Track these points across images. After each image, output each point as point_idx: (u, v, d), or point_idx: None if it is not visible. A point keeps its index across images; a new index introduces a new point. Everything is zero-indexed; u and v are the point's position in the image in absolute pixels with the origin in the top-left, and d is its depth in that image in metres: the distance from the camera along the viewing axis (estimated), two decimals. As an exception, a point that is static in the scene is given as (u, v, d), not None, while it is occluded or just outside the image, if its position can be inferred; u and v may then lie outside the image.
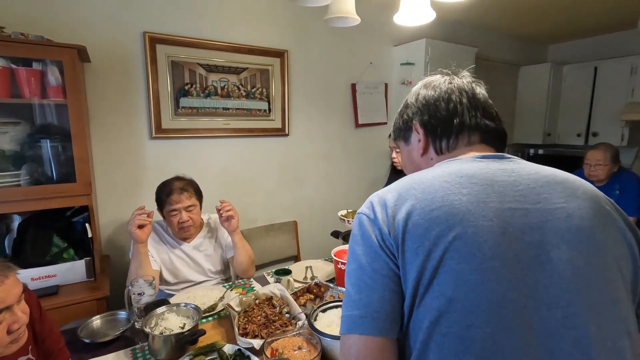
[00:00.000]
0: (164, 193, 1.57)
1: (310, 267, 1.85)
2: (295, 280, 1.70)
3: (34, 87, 1.39)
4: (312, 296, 1.52)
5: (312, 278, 1.72)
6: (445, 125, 0.72)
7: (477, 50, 2.87)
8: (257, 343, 1.11)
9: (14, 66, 1.35)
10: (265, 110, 2.28)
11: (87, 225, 1.56)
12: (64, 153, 1.49)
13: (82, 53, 1.50)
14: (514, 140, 3.83)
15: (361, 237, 0.63)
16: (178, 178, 1.64)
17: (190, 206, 1.59)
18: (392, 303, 0.58)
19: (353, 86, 2.66)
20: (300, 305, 1.46)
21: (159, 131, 1.96)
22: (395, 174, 2.06)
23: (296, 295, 1.52)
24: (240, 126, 2.21)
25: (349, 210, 1.90)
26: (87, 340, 1.18)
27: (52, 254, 1.56)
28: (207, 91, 2.06)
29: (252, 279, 1.72)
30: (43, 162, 1.48)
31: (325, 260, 1.93)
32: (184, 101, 2.01)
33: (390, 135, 1.99)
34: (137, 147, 1.95)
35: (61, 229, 1.62)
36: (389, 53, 2.80)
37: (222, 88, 2.11)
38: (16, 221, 1.65)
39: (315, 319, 1.21)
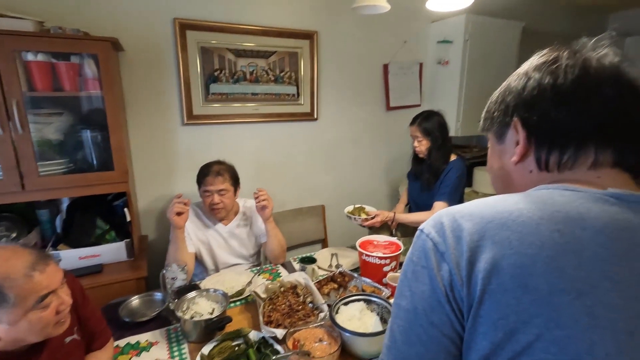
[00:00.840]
0: (202, 174, 1.65)
1: (336, 254, 1.87)
2: (320, 268, 1.73)
3: (73, 80, 1.45)
4: (335, 285, 1.54)
5: (337, 266, 1.74)
6: (560, 134, 0.49)
7: (524, 25, 2.63)
8: (280, 333, 1.15)
9: (54, 60, 1.42)
10: (293, 95, 2.26)
11: (125, 209, 1.66)
12: (103, 142, 1.58)
13: (115, 44, 1.54)
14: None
15: (422, 270, 0.48)
16: (219, 162, 1.71)
17: (222, 190, 1.64)
18: None
19: (385, 67, 2.55)
20: (323, 295, 1.49)
21: (191, 117, 2.01)
22: (417, 163, 1.99)
23: (320, 284, 1.55)
24: (269, 111, 2.21)
25: (356, 206, 1.89)
26: (126, 319, 1.29)
27: (96, 236, 1.68)
28: (236, 76, 2.07)
29: (278, 265, 1.77)
30: (84, 151, 1.58)
31: (350, 247, 1.94)
32: (214, 87, 2.03)
33: (412, 122, 1.88)
34: (170, 134, 2.01)
35: (103, 212, 1.74)
36: (425, 30, 2.64)
37: (251, 73, 2.11)
38: (65, 203, 1.79)
39: (337, 312, 1.23)
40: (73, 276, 1.02)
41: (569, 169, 0.50)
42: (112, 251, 1.68)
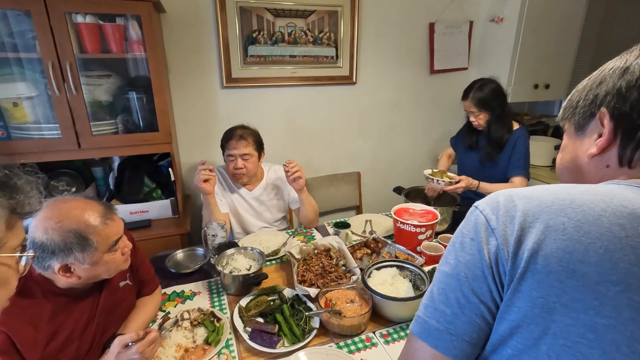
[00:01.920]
0: (225, 138, 1.66)
1: (370, 221, 1.87)
2: (353, 233, 1.74)
3: (119, 41, 1.50)
4: (369, 251, 1.56)
5: (371, 232, 1.74)
6: None
7: (597, -26, 2.31)
8: (313, 291, 1.19)
9: (101, 22, 1.46)
10: (332, 57, 2.19)
11: (170, 169, 1.74)
12: (148, 104, 1.64)
13: (157, 5, 1.55)
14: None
15: (470, 242, 0.49)
16: (242, 126, 1.70)
17: (246, 154, 1.63)
18: (479, 332, 0.49)
19: (431, 26, 2.37)
20: (356, 259, 1.51)
21: (230, 80, 2.02)
22: (472, 133, 1.85)
23: (353, 248, 1.57)
24: (307, 74, 2.17)
25: (435, 170, 1.78)
26: (172, 270, 1.39)
27: (144, 193, 1.80)
28: (274, 38, 2.03)
29: (313, 228, 1.81)
30: (131, 112, 1.65)
31: (386, 215, 1.92)
32: (252, 49, 2.00)
33: (464, 96, 1.73)
34: (210, 97, 2.05)
35: (150, 172, 1.85)
36: (478, -17, 2.40)
37: (289, 34, 2.05)
38: (116, 162, 1.92)
39: (369, 276, 1.25)
40: (125, 228, 1.11)
41: None
42: (158, 208, 1.79)
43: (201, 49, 1.95)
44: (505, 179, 1.77)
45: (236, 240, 1.67)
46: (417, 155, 2.72)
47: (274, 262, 1.52)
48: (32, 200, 0.56)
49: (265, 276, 1.29)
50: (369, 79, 2.36)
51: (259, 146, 1.71)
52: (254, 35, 1.99)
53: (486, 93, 1.69)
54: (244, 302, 1.22)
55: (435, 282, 0.54)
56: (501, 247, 0.46)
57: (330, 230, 1.75)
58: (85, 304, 0.93)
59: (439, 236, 1.57)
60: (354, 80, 2.29)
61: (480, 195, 1.77)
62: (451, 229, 1.78)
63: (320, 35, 2.12)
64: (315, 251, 1.50)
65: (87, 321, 0.93)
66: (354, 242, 1.62)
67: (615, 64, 0.52)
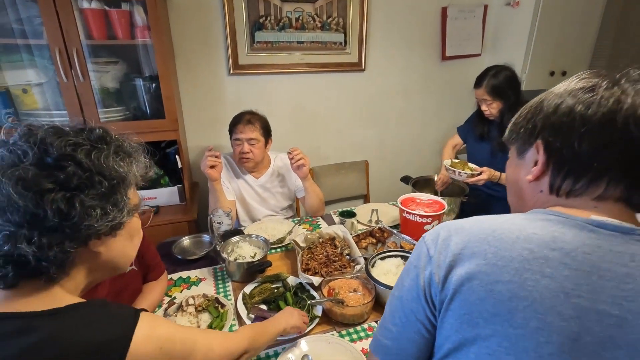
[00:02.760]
0: (233, 122, 1.66)
1: (377, 210, 1.86)
2: (359, 222, 1.74)
3: (125, 27, 1.49)
4: (374, 240, 1.55)
5: (377, 222, 1.74)
6: (578, 164, 0.52)
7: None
8: (316, 280, 1.20)
9: (107, 8, 1.45)
10: (340, 43, 2.14)
11: (177, 157, 1.75)
12: (155, 91, 1.63)
13: (162, -11, 1.54)
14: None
15: (413, 268, 0.58)
16: (251, 112, 1.69)
17: (252, 139, 1.63)
18: (420, 347, 0.58)
19: (443, 10, 2.30)
20: (361, 248, 1.50)
21: (236, 67, 2.00)
22: (483, 123, 1.79)
23: (358, 237, 1.56)
24: (315, 61, 2.13)
25: (455, 160, 1.72)
26: (179, 257, 1.41)
27: (152, 180, 1.81)
28: (281, 23, 1.99)
29: (318, 217, 1.80)
30: (138, 99, 1.65)
31: (392, 204, 1.91)
32: (259, 35, 1.98)
33: (477, 84, 1.66)
34: (217, 84, 2.04)
35: (158, 159, 1.86)
36: (494, -35, 2.30)
37: (297, 19, 2.01)
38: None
39: (373, 266, 1.24)
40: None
41: (575, 197, 0.54)
42: (166, 195, 1.81)
43: (208, 35, 1.93)
44: None
45: (242, 228, 1.68)
46: (426, 144, 2.67)
47: (279, 250, 1.53)
48: (149, 169, 0.72)
49: (269, 264, 1.29)
50: (378, 66, 2.31)
51: (267, 132, 1.70)
52: (261, 20, 1.95)
53: (501, 81, 1.62)
54: (248, 289, 1.23)
55: (387, 304, 0.63)
56: (434, 273, 0.54)
57: (336, 219, 1.74)
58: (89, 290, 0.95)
59: (446, 226, 1.55)
60: (363, 67, 2.25)
61: (501, 187, 1.75)
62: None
63: (329, 21, 2.07)
64: (320, 240, 1.50)
65: None
66: (359, 232, 1.62)
67: (554, 92, 0.56)
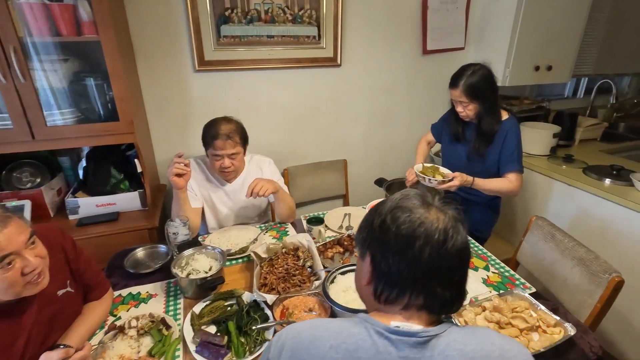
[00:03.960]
0: (210, 135, 1.52)
1: (349, 214, 1.78)
2: (329, 229, 1.66)
3: (69, 23, 1.37)
4: (341, 249, 1.47)
5: (348, 228, 1.66)
6: (391, 277, 0.62)
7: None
8: (270, 298, 1.12)
9: (47, 1, 1.33)
10: (314, 37, 2.03)
11: (136, 160, 1.65)
12: (109, 91, 1.53)
13: (111, -19, 1.41)
14: (643, 68, 2.95)
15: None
16: (227, 120, 1.56)
17: (234, 154, 1.54)
18: None
19: (424, 2, 2.18)
20: (327, 258, 1.43)
21: (202, 63, 1.89)
22: (458, 123, 1.70)
23: (325, 246, 1.48)
24: (287, 56, 2.02)
25: (427, 165, 1.64)
26: (131, 271, 1.33)
27: (111, 185, 1.72)
28: (249, 16, 1.87)
29: (288, 223, 1.72)
30: (90, 100, 1.54)
31: (364, 208, 1.82)
32: (225, 29, 1.86)
33: (453, 84, 1.54)
34: (183, 81, 1.92)
35: (118, 162, 1.76)
36: (477, -47, 2.18)
37: (266, 12, 1.89)
38: (85, 150, 1.84)
39: (332, 281, 1.16)
40: (62, 232, 1.03)
41: (389, 304, 0.64)
42: (127, 200, 1.72)
43: (170, 30, 1.81)
44: (495, 173, 1.63)
45: (207, 235, 1.60)
46: (412, 143, 2.56)
47: (240, 260, 1.44)
48: None
49: (222, 281, 1.21)
50: (356, 61, 2.20)
51: (245, 141, 1.60)
52: (227, 13, 1.83)
53: (478, 81, 1.50)
54: (198, 308, 1.15)
55: None
56: None
57: (306, 226, 1.66)
58: (8, 321, 0.86)
59: (417, 234, 1.47)
60: (339, 62, 2.13)
61: (477, 191, 1.67)
62: (433, 225, 1.67)
63: (301, 13, 1.95)
64: (284, 250, 1.42)
65: (13, 337, 0.87)
66: (328, 239, 1.54)
67: (380, 207, 0.66)
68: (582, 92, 3.06)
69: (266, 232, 1.64)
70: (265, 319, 1.10)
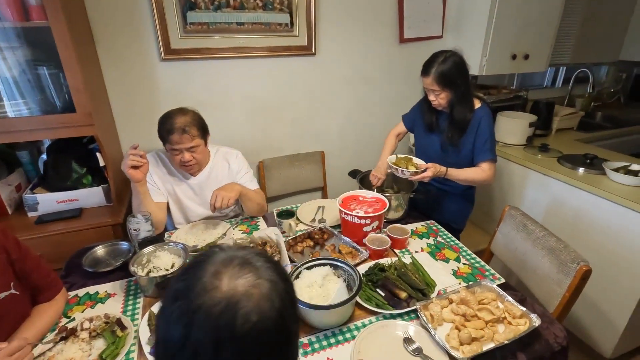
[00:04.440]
0: (164, 130, 1.44)
1: (323, 207, 1.74)
2: (301, 222, 1.62)
3: (15, 7, 1.28)
4: (311, 243, 1.43)
5: (320, 221, 1.62)
6: None
7: None
8: (232, 296, 1.07)
9: (-12, -17, 1.24)
10: (286, 25, 1.96)
11: (98, 154, 1.58)
12: (63, 82, 1.44)
13: (61, -38, 1.32)
14: (620, 57, 2.97)
15: None
16: (182, 112, 1.48)
17: (193, 147, 1.47)
18: None
19: (400, -12, 2.13)
20: (296, 253, 1.39)
21: (169, 52, 1.81)
22: (431, 112, 1.65)
23: (295, 240, 1.45)
24: (259, 44, 1.95)
25: (401, 156, 1.60)
26: (89, 269, 1.27)
27: (72, 180, 1.64)
28: (216, 2, 1.79)
29: (260, 217, 1.67)
30: (44, 91, 1.46)
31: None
32: (192, 15, 1.78)
33: (425, 72, 1.50)
34: (149, 71, 1.84)
35: (80, 156, 1.68)
36: (454, -62, 2.13)
37: (235, -2, 1.82)
38: (47, 144, 1.75)
39: (298, 277, 1.13)
40: (4, 231, 0.96)
41: None
42: (90, 196, 1.65)
43: (133, 17, 1.72)
44: (471, 163, 1.61)
45: (173, 231, 1.54)
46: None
47: (207, 256, 1.39)
48: None
49: (182, 278, 1.16)
50: (331, 50, 2.14)
51: (204, 132, 1.53)
52: (193, -1, 1.75)
53: (450, 69, 1.46)
54: (155, 308, 1.10)
55: None
56: None
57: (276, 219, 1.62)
58: None
59: (389, 227, 1.45)
60: (313, 50, 2.07)
61: (452, 182, 1.65)
62: (407, 216, 1.65)
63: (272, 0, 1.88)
64: (251, 245, 1.38)
65: None
66: (299, 232, 1.50)
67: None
68: (560, 82, 3.07)
69: (236, 226, 1.59)
70: (227, 317, 1.06)
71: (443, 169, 1.51)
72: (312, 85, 2.20)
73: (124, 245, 1.39)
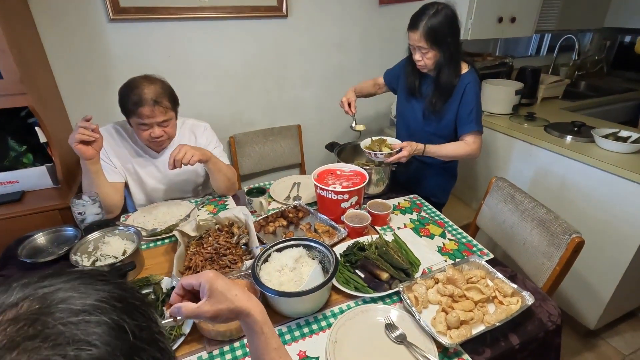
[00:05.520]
0: (131, 101, 1.23)
1: (299, 184, 1.61)
2: (274, 200, 1.48)
3: None
4: (284, 222, 1.30)
5: (295, 198, 1.49)
6: None
7: None
8: (190, 284, 0.94)
9: None
10: (253, -19, 1.75)
11: (37, 128, 1.38)
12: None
13: None
14: (605, 24, 2.87)
15: None
16: (148, 80, 1.27)
17: (165, 121, 1.30)
18: None
19: (379, -58, 1.93)
20: (268, 233, 1.26)
21: (118, 11, 1.58)
22: (415, 75, 1.51)
23: (266, 220, 1.31)
24: (222, 3, 1.74)
25: (375, 138, 1.47)
26: (27, 260, 1.10)
27: (10, 159, 1.44)
28: (171, -48, 1.56)
29: (229, 196, 1.52)
30: (-39, 52, 1.23)
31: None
32: (142, -32, 1.55)
33: (413, 25, 1.33)
34: (96, 34, 1.62)
35: (17, 132, 1.47)
36: None
37: (192, -53, 1.59)
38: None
39: (266, 260, 1.00)
40: None
41: None
42: (32, 177, 1.45)
43: (70, -34, 1.48)
44: (450, 134, 1.49)
45: (129, 214, 1.38)
46: (369, 102, 2.39)
47: (167, 241, 1.24)
48: None
49: (131, 267, 1.01)
50: (305, 11, 1.94)
51: (175, 103, 1.34)
52: (142, -53, 1.52)
53: (441, 23, 1.29)
54: (103, 300, 0.95)
55: None
56: None
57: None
58: None
59: (370, 202, 1.33)
60: (285, 12, 1.88)
61: (429, 160, 1.54)
62: (389, 191, 1.53)
63: (235, -50, 1.66)
64: (217, 227, 1.23)
65: None
66: (272, 211, 1.37)
67: None
68: (545, 50, 2.97)
69: (202, 206, 1.44)
70: (185, 308, 0.92)
71: (421, 146, 1.39)
72: (284, 52, 2.01)
73: (70, 231, 1.22)
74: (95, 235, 1.08)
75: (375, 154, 1.38)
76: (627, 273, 1.56)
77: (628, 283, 1.61)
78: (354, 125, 1.59)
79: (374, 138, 1.48)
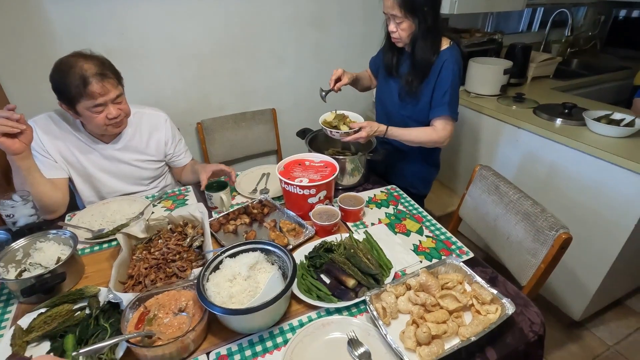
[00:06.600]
0: (72, 84, 1.07)
1: (268, 174, 1.48)
2: (239, 194, 1.35)
3: None
4: (247, 220, 1.18)
5: (263, 192, 1.36)
6: None
7: None
8: (127, 299, 0.82)
9: None
10: (214, -53, 1.56)
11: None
12: None
13: None
14: (599, -4, 2.72)
15: None
16: (82, 56, 1.11)
17: (118, 96, 1.15)
18: None
19: None
20: (228, 233, 1.14)
21: (57, -19, 1.39)
22: (392, 52, 1.37)
23: (227, 218, 1.19)
24: (180, -27, 1.55)
25: (336, 112, 1.35)
26: (-55, 270, 0.96)
27: (-63, 153, 1.27)
28: None
29: (189, 190, 1.39)
30: None
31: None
32: None
33: None
34: (32, 10, 1.42)
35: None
36: None
37: None
38: None
39: (215, 269, 0.88)
40: None
41: None
42: (-34, 172, 1.29)
43: None
44: (427, 120, 1.36)
45: (74, 213, 1.23)
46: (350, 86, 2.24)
47: (114, 243, 1.11)
48: None
49: (61, 278, 0.89)
50: (275, -18, 1.76)
51: (119, 76, 1.19)
52: None
53: None
54: (27, 319, 0.83)
55: None
56: None
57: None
58: None
59: (341, 196, 1.21)
60: (253, -17, 1.69)
61: (406, 147, 1.40)
62: (365, 181, 1.41)
63: None
64: (170, 227, 1.11)
65: None
66: (235, 207, 1.24)
67: None
68: (537, 25, 2.81)
69: (158, 202, 1.31)
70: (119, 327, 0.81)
71: (382, 127, 1.26)
72: (253, 29, 1.84)
73: (1, 234, 1.08)
74: (21, 241, 0.95)
75: (331, 131, 1.28)
76: (616, 264, 1.49)
77: (616, 273, 1.54)
78: (324, 96, 1.42)
79: (335, 111, 1.35)
